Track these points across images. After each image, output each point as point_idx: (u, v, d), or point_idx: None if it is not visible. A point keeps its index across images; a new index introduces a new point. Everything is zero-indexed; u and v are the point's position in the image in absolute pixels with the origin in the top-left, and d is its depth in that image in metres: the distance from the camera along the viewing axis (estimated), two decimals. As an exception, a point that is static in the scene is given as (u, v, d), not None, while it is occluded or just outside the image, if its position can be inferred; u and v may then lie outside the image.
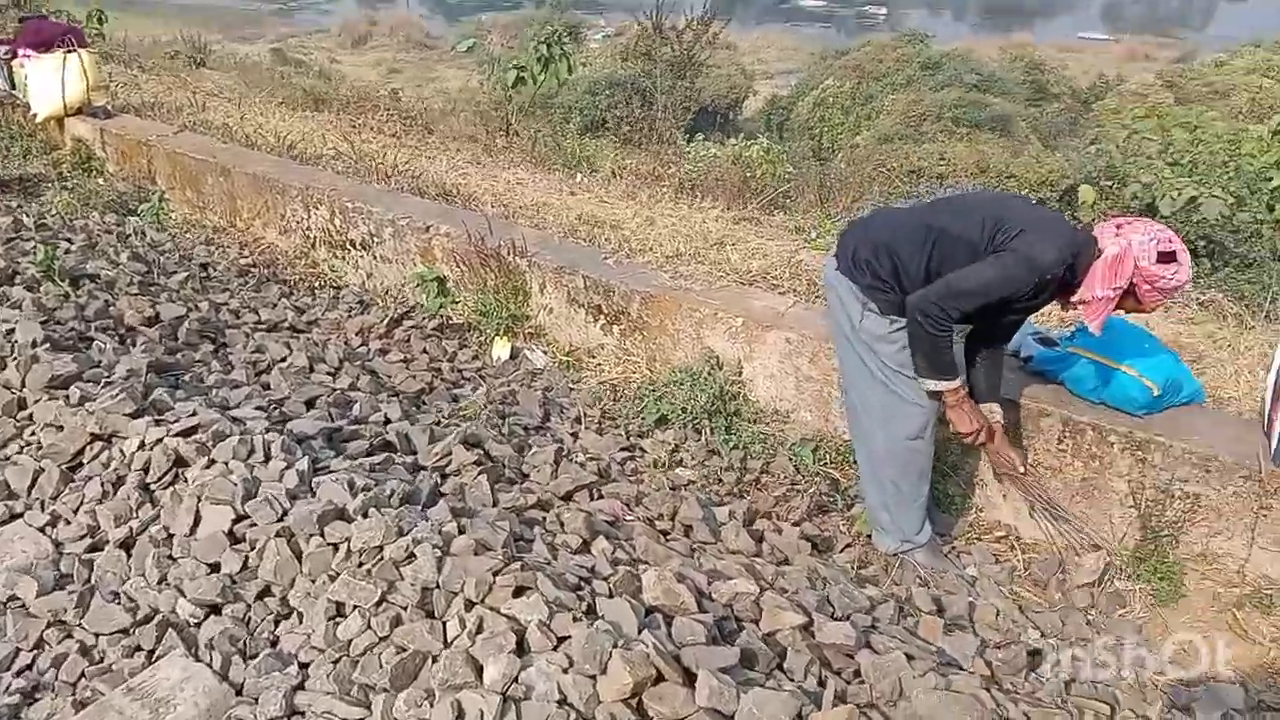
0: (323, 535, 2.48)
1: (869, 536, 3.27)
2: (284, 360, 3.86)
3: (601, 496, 3.18)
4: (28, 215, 5.17)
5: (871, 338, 2.97)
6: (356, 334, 4.38)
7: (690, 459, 3.61)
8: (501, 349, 4.50)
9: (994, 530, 3.46)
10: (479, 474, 3.03)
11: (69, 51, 6.78)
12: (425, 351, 4.35)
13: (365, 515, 2.53)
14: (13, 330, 3.52)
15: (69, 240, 4.91)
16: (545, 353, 4.53)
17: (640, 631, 2.20)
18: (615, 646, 2.10)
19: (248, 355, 3.87)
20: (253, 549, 2.50)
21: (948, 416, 2.95)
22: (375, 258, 5.10)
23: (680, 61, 12.14)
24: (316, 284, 5.12)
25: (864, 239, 3.00)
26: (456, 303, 4.79)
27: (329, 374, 3.84)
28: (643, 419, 3.90)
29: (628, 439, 3.75)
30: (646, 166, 7.96)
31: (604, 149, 10.50)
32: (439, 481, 2.98)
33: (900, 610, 2.71)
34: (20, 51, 6.95)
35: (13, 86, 7.35)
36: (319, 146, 6.35)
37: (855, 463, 3.47)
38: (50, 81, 6.80)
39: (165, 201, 5.96)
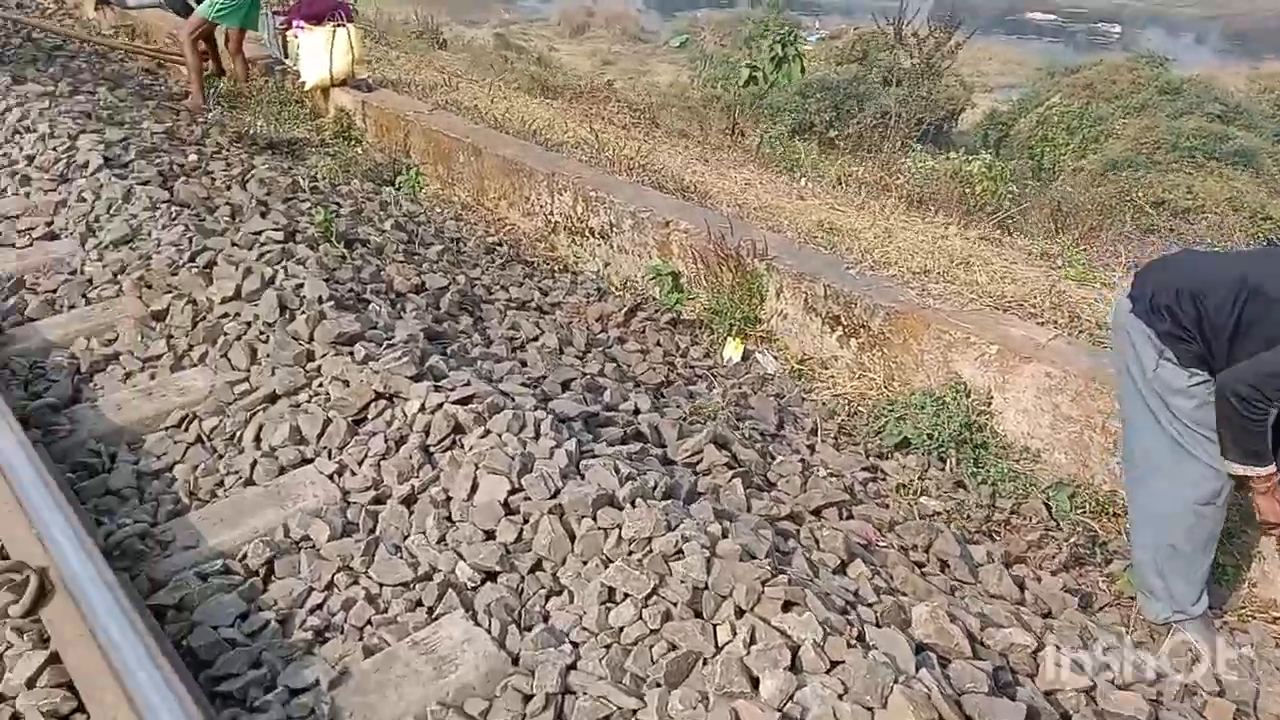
0: (594, 519, 2.53)
1: (1132, 598, 3.03)
2: (536, 339, 3.99)
3: (850, 516, 3.09)
4: (301, 178, 5.58)
5: (1166, 389, 2.73)
6: (596, 320, 4.48)
7: (935, 489, 3.46)
8: (734, 350, 4.48)
9: (1270, 609, 3.13)
10: (732, 477, 3.02)
11: (338, 26, 7.24)
12: (659, 345, 4.39)
13: (633, 505, 2.57)
14: (301, 285, 3.80)
15: (338, 204, 5.27)
16: (776, 358, 4.47)
17: (918, 670, 2.12)
18: (896, 682, 2.03)
19: (504, 331, 4.02)
20: (526, 522, 2.58)
21: (1255, 503, 2.69)
22: (613, 247, 5.20)
23: (919, 70, 11.72)
24: (556, 267, 5.28)
25: (1165, 282, 2.77)
26: (691, 299, 4.81)
27: (577, 358, 3.93)
28: (881, 440, 3.78)
29: (867, 458, 3.64)
30: (873, 175, 7.78)
31: (810, 152, 10.34)
32: (695, 479, 2.98)
33: (1185, 688, 2.49)
34: (294, 23, 7.52)
35: (285, 55, 7.99)
36: (559, 133, 6.55)
37: (1118, 516, 3.23)
38: (320, 53, 7.28)
39: (420, 176, 6.31)
